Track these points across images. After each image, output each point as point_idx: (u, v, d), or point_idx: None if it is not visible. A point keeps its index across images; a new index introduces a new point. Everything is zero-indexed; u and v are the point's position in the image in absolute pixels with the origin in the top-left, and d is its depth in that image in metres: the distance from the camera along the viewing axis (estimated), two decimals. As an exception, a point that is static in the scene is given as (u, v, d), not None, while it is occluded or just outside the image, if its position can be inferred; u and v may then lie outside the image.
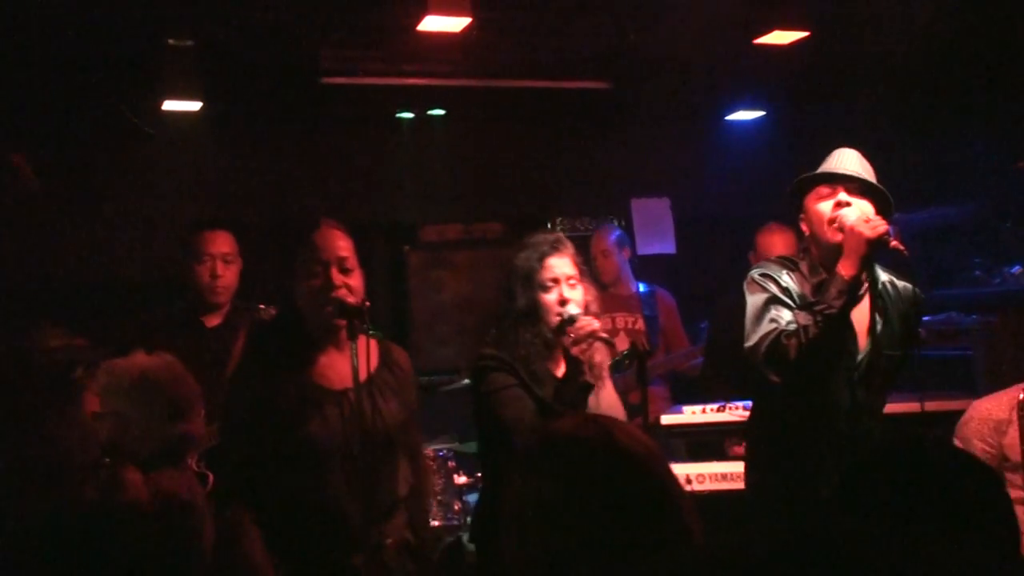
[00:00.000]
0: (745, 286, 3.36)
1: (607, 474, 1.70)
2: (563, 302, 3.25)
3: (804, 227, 3.41)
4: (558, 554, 1.69)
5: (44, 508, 1.55)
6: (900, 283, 3.44)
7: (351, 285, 2.93)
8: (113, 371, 2.97)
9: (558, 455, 1.75)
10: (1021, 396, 3.36)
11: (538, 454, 1.80)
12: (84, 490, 1.63)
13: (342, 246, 2.96)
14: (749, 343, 3.25)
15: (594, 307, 3.37)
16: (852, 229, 3.17)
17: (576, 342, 3.18)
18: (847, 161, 3.33)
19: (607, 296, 5.75)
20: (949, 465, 1.77)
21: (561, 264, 3.30)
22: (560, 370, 3.32)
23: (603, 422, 1.80)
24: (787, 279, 3.32)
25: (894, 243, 3.13)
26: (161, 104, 5.91)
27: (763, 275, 3.33)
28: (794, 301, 3.27)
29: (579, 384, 3.21)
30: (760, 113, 7.31)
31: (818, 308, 3.14)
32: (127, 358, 3.02)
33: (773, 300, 3.25)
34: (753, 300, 3.30)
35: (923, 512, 1.67)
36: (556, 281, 3.27)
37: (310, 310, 2.94)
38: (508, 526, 1.79)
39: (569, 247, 3.37)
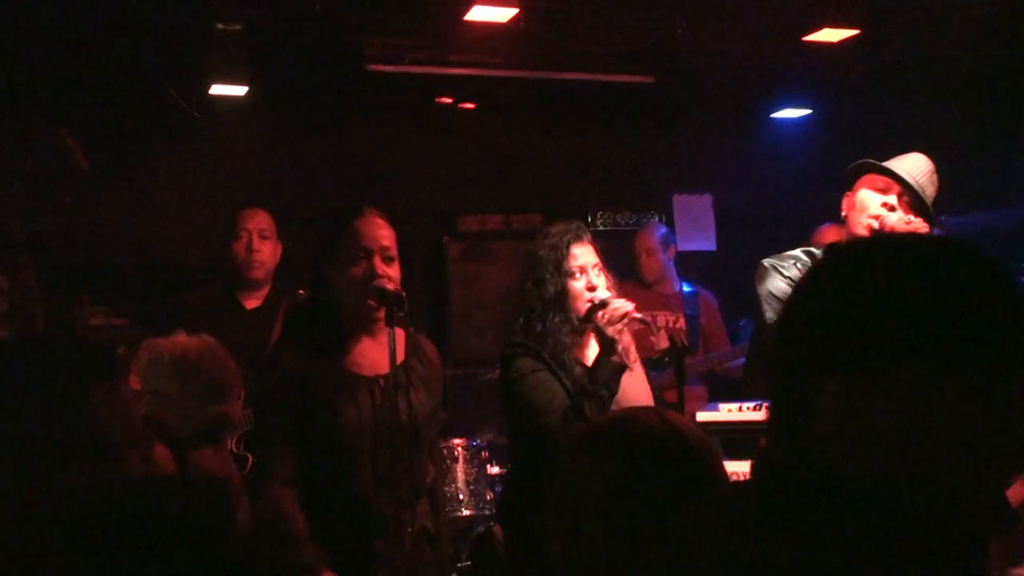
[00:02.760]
0: (757, 290, 3.31)
1: (673, 460, 1.78)
2: (591, 288, 3.27)
3: (844, 206, 3.32)
4: (615, 535, 1.74)
5: (86, 483, 1.57)
6: None
7: (391, 275, 2.94)
8: (155, 350, 3.01)
9: (628, 440, 1.82)
10: None
11: (607, 438, 1.86)
12: (125, 466, 1.65)
13: (385, 235, 2.96)
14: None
15: (614, 294, 3.36)
16: (893, 231, 3.12)
17: (611, 322, 3.18)
18: (918, 171, 3.22)
19: (650, 293, 5.74)
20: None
21: (585, 252, 3.32)
22: (588, 357, 3.32)
23: (669, 415, 1.90)
24: (795, 271, 3.26)
25: None
26: (208, 88, 5.96)
27: (771, 265, 3.29)
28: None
29: (613, 365, 3.20)
30: (806, 111, 7.24)
31: None
32: (169, 338, 3.06)
33: (770, 297, 3.21)
34: (762, 312, 3.26)
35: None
36: (583, 269, 3.29)
37: (349, 297, 2.94)
38: (562, 508, 1.84)
39: (588, 235, 3.39)
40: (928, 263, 1.15)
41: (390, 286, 2.90)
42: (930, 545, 1.12)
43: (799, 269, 3.26)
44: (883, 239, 1.27)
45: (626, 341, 3.33)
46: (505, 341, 3.37)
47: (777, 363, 1.23)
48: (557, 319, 3.26)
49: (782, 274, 3.25)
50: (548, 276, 3.29)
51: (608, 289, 3.33)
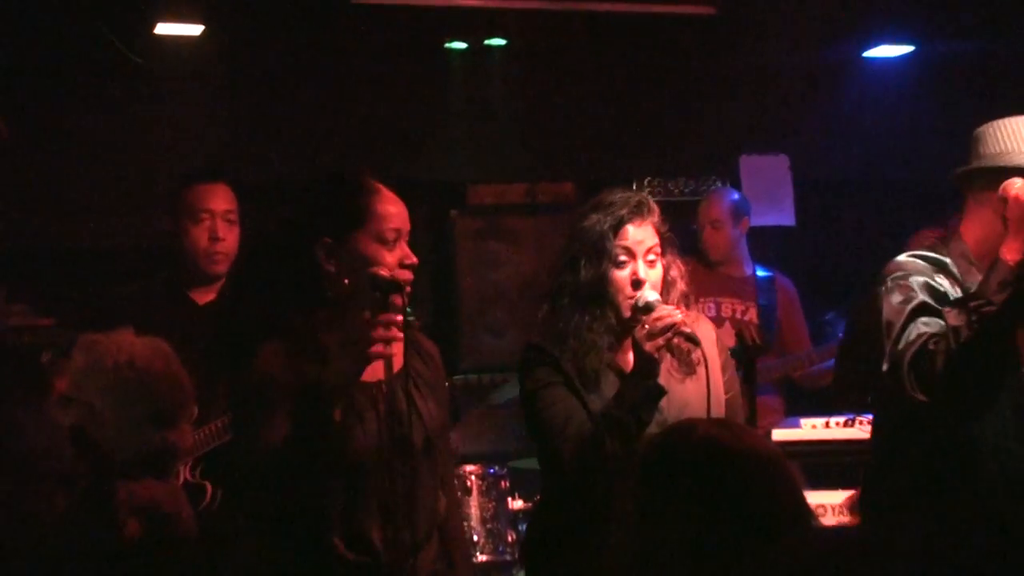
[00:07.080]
0: (882, 293, 3.21)
1: (741, 484, 1.89)
2: (636, 283, 3.19)
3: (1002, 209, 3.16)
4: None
5: (10, 516, 1.57)
6: None
7: (413, 261, 3.07)
8: (94, 350, 3.00)
9: (693, 460, 1.93)
10: None
11: (672, 459, 1.97)
12: (52, 502, 1.63)
13: (404, 213, 3.08)
14: (891, 357, 3.08)
15: (681, 285, 3.32)
16: (1018, 198, 3.06)
17: (651, 336, 3.10)
18: None
19: (713, 276, 5.73)
20: None
21: (640, 233, 3.23)
22: (630, 363, 3.23)
23: (738, 427, 2.02)
24: (941, 280, 3.19)
25: None
26: (154, 27, 5.97)
27: (906, 277, 3.19)
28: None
29: (647, 387, 3.13)
30: (908, 48, 7.19)
31: (973, 304, 2.98)
32: (112, 336, 3.05)
33: (923, 309, 3.09)
34: (894, 309, 3.13)
35: None
36: (631, 254, 3.21)
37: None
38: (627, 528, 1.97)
39: (654, 212, 3.29)
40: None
41: (384, 272, 2.94)
42: None
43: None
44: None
45: (696, 354, 3.25)
46: (526, 340, 3.36)
47: None
48: (587, 316, 3.21)
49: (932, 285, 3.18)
50: (584, 258, 3.23)
51: (673, 281, 3.28)
